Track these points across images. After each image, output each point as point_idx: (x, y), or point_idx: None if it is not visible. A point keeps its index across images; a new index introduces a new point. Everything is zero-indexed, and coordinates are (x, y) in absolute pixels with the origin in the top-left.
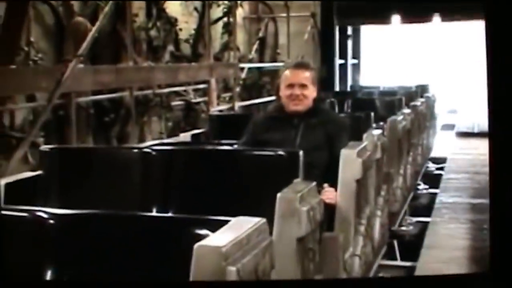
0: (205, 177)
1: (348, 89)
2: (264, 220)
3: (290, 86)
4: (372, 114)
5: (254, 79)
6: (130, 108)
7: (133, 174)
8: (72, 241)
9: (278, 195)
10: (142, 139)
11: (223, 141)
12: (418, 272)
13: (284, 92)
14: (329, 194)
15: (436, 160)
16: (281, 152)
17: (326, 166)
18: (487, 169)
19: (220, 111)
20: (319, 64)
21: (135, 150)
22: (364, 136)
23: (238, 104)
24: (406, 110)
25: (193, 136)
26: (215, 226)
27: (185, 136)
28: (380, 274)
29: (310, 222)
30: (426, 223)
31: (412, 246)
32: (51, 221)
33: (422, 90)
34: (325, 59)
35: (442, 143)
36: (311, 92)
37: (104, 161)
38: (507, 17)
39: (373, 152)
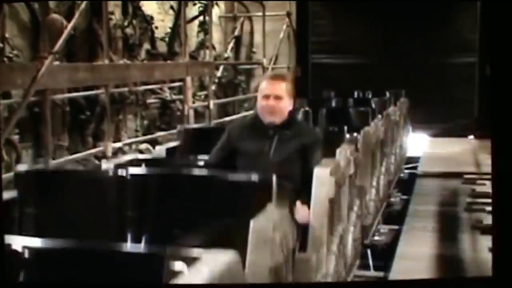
0: (179, 201)
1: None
2: (235, 254)
3: (266, 97)
4: (346, 127)
5: (230, 78)
6: (105, 105)
7: (108, 198)
8: (45, 274)
9: (251, 223)
10: (117, 137)
11: (199, 157)
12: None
13: (260, 102)
14: (302, 212)
15: (409, 160)
16: (254, 178)
17: (300, 178)
18: (459, 168)
19: (196, 111)
20: (294, 64)
21: (110, 174)
22: (338, 151)
23: (213, 102)
24: (379, 121)
25: (167, 150)
26: (188, 260)
27: (160, 150)
28: None
29: (283, 250)
30: (399, 230)
31: (385, 255)
32: (25, 254)
33: (395, 96)
34: (300, 59)
35: (415, 143)
36: (287, 104)
37: (79, 184)
38: (507, 20)
39: (346, 168)
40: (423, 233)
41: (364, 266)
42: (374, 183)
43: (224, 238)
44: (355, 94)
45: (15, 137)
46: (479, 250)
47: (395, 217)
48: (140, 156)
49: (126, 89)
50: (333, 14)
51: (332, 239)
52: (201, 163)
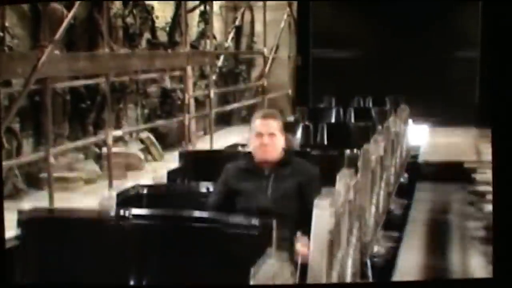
0: (181, 243)
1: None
2: None
3: (259, 135)
4: (346, 149)
5: (230, 67)
6: (106, 94)
7: (111, 240)
8: None
9: (251, 272)
10: (118, 126)
11: (201, 184)
12: None
13: (253, 142)
14: (302, 245)
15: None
16: (254, 221)
17: (298, 215)
18: (459, 157)
19: (196, 100)
20: (295, 53)
21: (112, 214)
22: (337, 178)
23: (213, 91)
24: (379, 135)
25: (169, 174)
26: None
27: (162, 176)
28: None
29: None
30: (400, 237)
31: (385, 265)
32: None
33: (395, 103)
34: (301, 50)
35: (416, 133)
36: (280, 141)
37: (81, 227)
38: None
39: (346, 195)
40: (423, 242)
41: (363, 275)
42: (374, 201)
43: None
44: (355, 101)
45: (16, 126)
46: (477, 262)
47: (395, 223)
48: (142, 183)
49: (126, 78)
50: (334, 7)
51: (332, 268)
52: (204, 189)
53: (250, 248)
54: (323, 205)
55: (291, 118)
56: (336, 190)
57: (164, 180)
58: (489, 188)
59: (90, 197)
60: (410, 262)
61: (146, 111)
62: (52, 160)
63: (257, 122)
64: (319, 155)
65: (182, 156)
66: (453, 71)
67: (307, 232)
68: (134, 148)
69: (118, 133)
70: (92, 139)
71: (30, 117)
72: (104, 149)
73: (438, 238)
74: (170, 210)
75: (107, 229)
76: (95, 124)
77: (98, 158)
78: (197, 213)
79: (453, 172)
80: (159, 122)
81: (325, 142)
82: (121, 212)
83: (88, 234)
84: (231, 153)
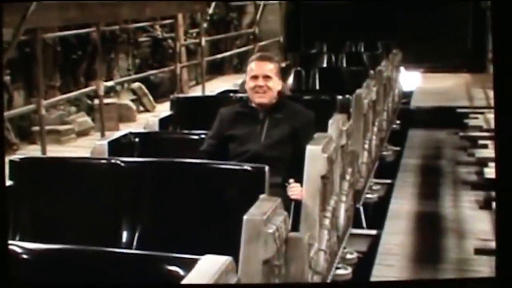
0: (173, 189)
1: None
2: (230, 259)
3: (254, 78)
4: (338, 94)
5: (221, 15)
6: (97, 45)
7: (103, 187)
8: (45, 276)
9: (244, 217)
10: (109, 77)
11: (193, 131)
12: (382, 242)
13: (248, 84)
14: (294, 190)
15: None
16: (247, 167)
17: (292, 160)
18: (451, 102)
19: (188, 48)
20: None
21: (104, 161)
22: (330, 123)
23: (205, 39)
24: (371, 80)
25: (160, 121)
26: (185, 264)
27: (153, 121)
28: (345, 250)
29: (276, 242)
30: (392, 185)
31: (377, 211)
32: (25, 256)
33: (387, 48)
34: None
35: (408, 78)
36: (276, 84)
37: (74, 175)
38: None
39: (338, 140)
40: (415, 189)
41: (357, 223)
42: (366, 146)
43: (218, 230)
44: (347, 47)
45: (6, 78)
46: (468, 208)
47: (387, 170)
48: (134, 130)
49: (117, 27)
50: None
51: (325, 214)
52: (196, 136)
53: (243, 194)
54: (316, 150)
55: (282, 65)
56: (329, 135)
57: (156, 127)
58: (481, 134)
59: (82, 149)
60: (402, 209)
61: (137, 61)
62: (43, 112)
63: (253, 64)
64: (311, 99)
65: (173, 103)
66: (445, 16)
67: (300, 178)
68: (126, 99)
69: (110, 83)
70: (83, 90)
71: (21, 69)
72: (96, 101)
73: (430, 184)
74: (162, 157)
75: (100, 177)
76: (86, 75)
77: (90, 110)
78: (189, 160)
79: (445, 118)
80: (151, 72)
81: (317, 87)
82: (113, 159)
83: (80, 181)
84: (224, 98)
